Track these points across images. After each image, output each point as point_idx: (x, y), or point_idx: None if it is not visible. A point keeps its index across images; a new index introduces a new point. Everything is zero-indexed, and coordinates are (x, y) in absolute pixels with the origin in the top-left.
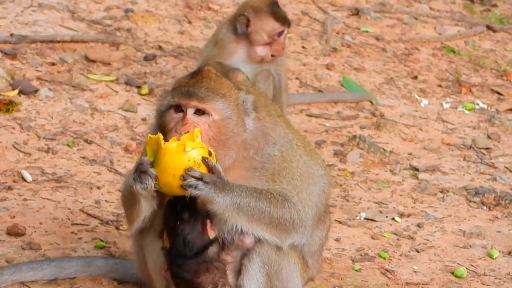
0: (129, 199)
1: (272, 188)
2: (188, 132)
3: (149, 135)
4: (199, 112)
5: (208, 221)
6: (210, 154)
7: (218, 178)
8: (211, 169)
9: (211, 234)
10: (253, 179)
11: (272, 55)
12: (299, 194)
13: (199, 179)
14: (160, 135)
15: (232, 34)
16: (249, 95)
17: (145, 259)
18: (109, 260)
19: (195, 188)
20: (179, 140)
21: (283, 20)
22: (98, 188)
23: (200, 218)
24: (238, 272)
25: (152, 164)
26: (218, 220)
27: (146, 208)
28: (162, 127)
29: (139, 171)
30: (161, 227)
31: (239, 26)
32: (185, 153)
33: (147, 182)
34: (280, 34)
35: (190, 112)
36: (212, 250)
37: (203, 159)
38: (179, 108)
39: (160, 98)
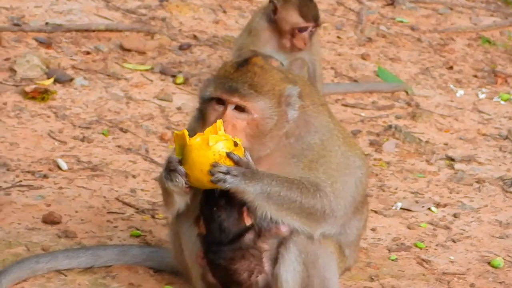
0: (164, 191)
1: (306, 176)
2: (230, 132)
3: (175, 131)
4: (240, 108)
5: (244, 208)
6: (236, 144)
7: (246, 169)
8: (237, 163)
9: (247, 221)
10: (290, 165)
11: (296, 47)
12: (333, 184)
13: (227, 173)
14: (185, 131)
15: (265, 22)
16: (295, 88)
17: (181, 247)
18: (145, 249)
19: (224, 181)
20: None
21: (309, 17)
22: (134, 176)
23: (236, 205)
24: (275, 261)
25: (181, 161)
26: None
27: (180, 201)
28: (203, 114)
29: (169, 170)
30: (197, 213)
31: (268, 11)
32: (210, 147)
33: (177, 180)
34: (302, 29)
35: (230, 107)
36: (248, 237)
37: (228, 154)
38: (220, 101)
39: (205, 83)
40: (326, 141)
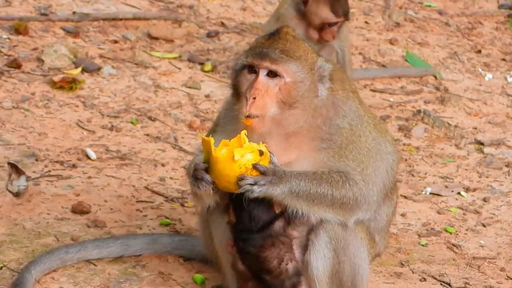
0: (192, 191)
1: (336, 165)
2: (261, 101)
3: (202, 136)
4: (272, 74)
5: None
6: (261, 153)
7: (273, 176)
8: (263, 173)
9: (277, 208)
10: (319, 151)
11: (324, 39)
12: (364, 170)
13: (254, 184)
14: (212, 140)
15: (294, 10)
16: (327, 64)
17: (211, 235)
18: (175, 237)
19: (252, 192)
20: (248, 114)
21: (339, 12)
22: (163, 165)
23: None
24: (305, 248)
25: (207, 169)
26: None
27: (209, 200)
28: (236, 87)
29: (195, 177)
30: (227, 202)
31: (298, 1)
32: (235, 161)
33: (205, 188)
34: (332, 24)
35: (262, 73)
36: (278, 224)
37: (254, 166)
38: (252, 69)
39: (237, 57)
40: (355, 126)
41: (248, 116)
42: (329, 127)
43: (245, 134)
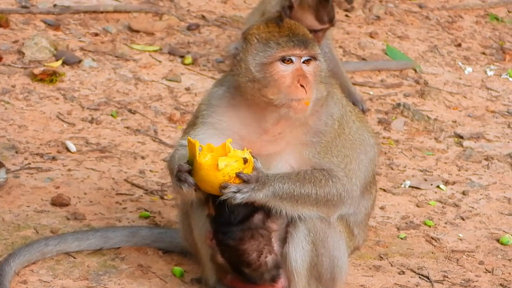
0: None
1: (320, 162)
2: (310, 87)
3: (189, 137)
4: (306, 60)
5: None
6: (245, 161)
7: (256, 183)
8: (247, 181)
9: None
10: (307, 146)
11: None
12: (348, 165)
13: (237, 191)
14: (197, 143)
15: (280, 8)
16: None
17: (191, 227)
18: (154, 230)
19: (234, 199)
20: (304, 100)
21: (324, 19)
22: (143, 158)
23: None
24: (284, 240)
25: (191, 171)
26: None
27: (191, 198)
28: (265, 81)
29: (178, 178)
30: (207, 195)
31: (284, 4)
32: (219, 169)
33: (187, 189)
34: (317, 31)
35: (300, 61)
36: (258, 217)
37: (238, 175)
38: (287, 59)
39: (254, 49)
40: (341, 118)
41: (299, 101)
42: (319, 121)
43: (230, 142)
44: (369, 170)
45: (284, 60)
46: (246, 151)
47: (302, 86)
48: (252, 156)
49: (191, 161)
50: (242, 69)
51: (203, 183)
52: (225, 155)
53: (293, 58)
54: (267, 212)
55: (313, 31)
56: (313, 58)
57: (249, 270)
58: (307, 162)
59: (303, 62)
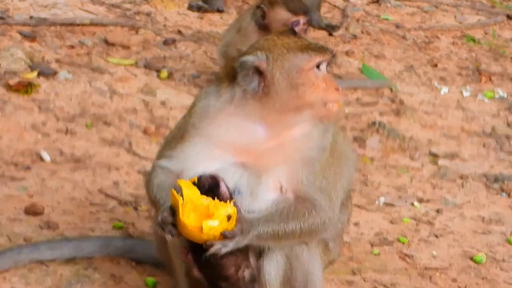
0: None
1: (309, 188)
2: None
3: (172, 190)
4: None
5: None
6: (229, 218)
7: (241, 235)
8: (232, 238)
9: None
10: (303, 166)
11: None
12: (332, 191)
13: (221, 247)
14: (180, 199)
15: (255, 24)
16: None
17: (164, 240)
18: (128, 241)
19: (220, 251)
20: (338, 102)
21: (296, 10)
22: (117, 169)
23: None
24: (259, 254)
25: (174, 223)
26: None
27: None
28: (306, 86)
29: (161, 225)
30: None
31: (257, 17)
32: (203, 233)
33: (169, 238)
34: (296, 24)
35: (325, 67)
36: None
37: (222, 234)
38: (317, 66)
39: (288, 58)
40: (334, 135)
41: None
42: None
43: (213, 206)
44: (348, 187)
45: (318, 66)
46: (229, 204)
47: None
48: (235, 205)
49: (174, 209)
50: (274, 78)
51: (186, 236)
52: (208, 215)
53: (321, 65)
54: None
55: (291, 28)
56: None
57: (226, 284)
58: (296, 185)
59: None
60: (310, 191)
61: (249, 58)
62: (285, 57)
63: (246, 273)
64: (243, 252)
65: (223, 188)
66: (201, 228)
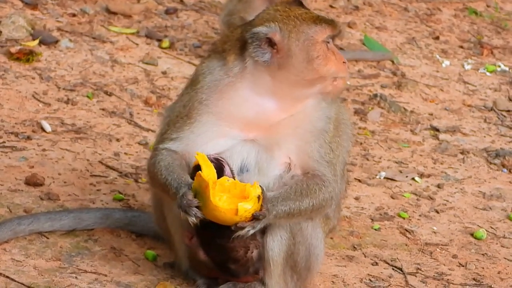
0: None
1: (317, 164)
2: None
3: (199, 172)
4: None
5: None
6: (259, 198)
7: (267, 216)
8: (259, 218)
9: None
10: (309, 144)
11: None
12: (337, 161)
13: (249, 230)
14: (211, 181)
15: None
16: None
17: (164, 214)
18: (128, 213)
19: (247, 233)
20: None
21: None
22: (118, 140)
23: None
24: (263, 231)
25: (199, 206)
26: None
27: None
28: (320, 58)
29: (185, 209)
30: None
31: None
32: (238, 215)
33: (193, 221)
34: None
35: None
36: None
37: (253, 216)
38: (327, 40)
39: (303, 30)
40: (337, 114)
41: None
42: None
43: (250, 186)
44: (347, 154)
45: (327, 40)
46: (256, 185)
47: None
48: (259, 186)
49: (196, 191)
50: (289, 51)
51: (213, 218)
52: (242, 196)
53: (332, 38)
54: None
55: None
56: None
57: (235, 266)
58: (306, 159)
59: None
60: (320, 166)
61: (262, 29)
62: (300, 28)
63: (255, 253)
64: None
65: (227, 172)
66: (236, 211)
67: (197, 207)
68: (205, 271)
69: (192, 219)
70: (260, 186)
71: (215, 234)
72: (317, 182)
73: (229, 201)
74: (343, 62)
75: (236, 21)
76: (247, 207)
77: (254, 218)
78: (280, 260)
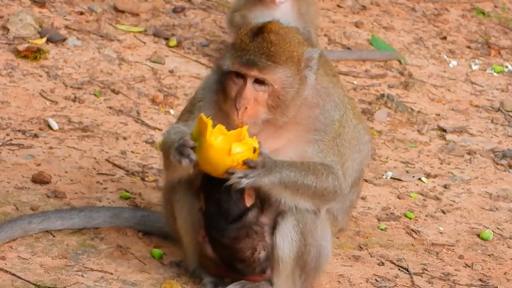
0: (167, 159)
1: (322, 159)
2: (252, 109)
3: (202, 114)
4: (260, 81)
5: (246, 190)
6: (254, 151)
7: (262, 168)
8: (254, 167)
9: (248, 202)
10: (310, 143)
11: None
12: (344, 163)
13: (242, 177)
14: (210, 122)
15: None
16: (314, 50)
17: (174, 214)
18: (137, 212)
19: (239, 184)
20: (238, 123)
21: None
22: (124, 138)
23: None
24: (272, 231)
25: (194, 148)
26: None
27: (182, 174)
28: (223, 87)
29: (180, 152)
30: (199, 186)
31: None
32: (229, 155)
33: (187, 164)
34: None
35: (250, 81)
36: (252, 214)
37: (245, 162)
38: (239, 75)
39: (222, 54)
40: (342, 115)
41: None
42: (325, 118)
43: (246, 129)
44: (360, 167)
45: (236, 74)
46: (255, 139)
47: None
48: (258, 141)
49: (196, 139)
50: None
51: (207, 164)
52: (238, 141)
53: (245, 77)
54: (260, 208)
55: None
56: (264, 82)
57: (242, 266)
58: (309, 159)
59: (256, 82)
60: (326, 160)
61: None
62: (227, 50)
63: (262, 254)
64: (259, 234)
65: None
66: (229, 151)
67: (192, 149)
68: (213, 269)
69: (186, 161)
70: (259, 142)
71: (221, 234)
72: (326, 169)
73: (224, 142)
74: (244, 108)
75: (236, 18)
76: (241, 150)
77: (248, 166)
78: (289, 261)
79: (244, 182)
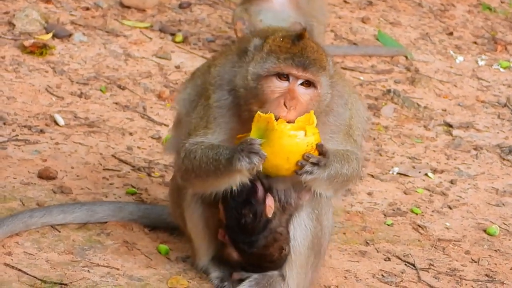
0: (213, 172)
1: (345, 148)
2: (298, 109)
3: (259, 112)
4: (307, 84)
5: (267, 202)
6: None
7: (328, 159)
8: (324, 154)
9: (269, 212)
10: (328, 141)
11: None
12: (360, 147)
13: (315, 164)
14: (272, 115)
15: None
16: (330, 58)
17: (182, 207)
18: (141, 206)
19: (311, 173)
20: (286, 119)
21: None
22: (131, 134)
23: (259, 205)
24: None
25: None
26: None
27: (233, 183)
28: (256, 91)
29: (248, 151)
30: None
31: None
32: (304, 138)
33: (256, 162)
34: None
35: (297, 82)
36: (274, 221)
37: (319, 146)
38: (285, 76)
39: (251, 57)
40: (352, 109)
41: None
42: (337, 119)
43: (312, 113)
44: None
45: (280, 76)
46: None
47: (285, 105)
48: None
49: (260, 137)
50: (243, 72)
51: (277, 158)
52: (308, 124)
53: (290, 77)
54: (282, 209)
55: None
56: (312, 83)
57: (271, 264)
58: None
59: (301, 85)
60: (350, 148)
61: (254, 41)
62: (260, 55)
63: (287, 249)
64: (283, 234)
65: (260, 191)
66: (305, 133)
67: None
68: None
69: (256, 158)
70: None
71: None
72: (353, 153)
73: (295, 128)
74: (284, 105)
75: (237, 11)
76: (315, 130)
77: (314, 164)
78: (304, 250)
79: (315, 171)
